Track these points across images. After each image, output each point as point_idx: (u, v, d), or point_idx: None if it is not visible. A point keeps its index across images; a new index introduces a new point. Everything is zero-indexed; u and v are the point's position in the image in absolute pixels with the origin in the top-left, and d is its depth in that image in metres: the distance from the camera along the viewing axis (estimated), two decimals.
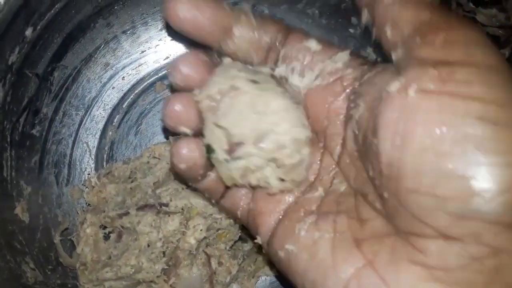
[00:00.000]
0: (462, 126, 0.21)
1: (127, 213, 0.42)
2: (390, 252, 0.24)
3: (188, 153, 0.30)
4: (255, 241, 0.31)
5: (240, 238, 0.46)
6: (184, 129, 0.30)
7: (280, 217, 0.30)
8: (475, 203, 0.21)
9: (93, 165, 0.49)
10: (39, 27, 0.42)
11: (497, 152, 0.20)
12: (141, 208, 0.42)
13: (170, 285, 0.42)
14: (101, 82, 0.49)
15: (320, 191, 0.29)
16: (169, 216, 0.40)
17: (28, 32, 0.41)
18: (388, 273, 0.24)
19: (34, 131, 0.46)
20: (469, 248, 0.22)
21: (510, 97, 0.21)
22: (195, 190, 0.36)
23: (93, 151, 0.49)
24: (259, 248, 0.48)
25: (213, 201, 0.34)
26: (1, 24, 0.39)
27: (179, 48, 0.49)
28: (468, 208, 0.21)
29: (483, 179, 0.20)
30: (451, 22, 0.23)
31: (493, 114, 0.21)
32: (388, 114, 0.23)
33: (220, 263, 0.44)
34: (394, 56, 0.25)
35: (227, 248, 0.44)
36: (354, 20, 0.43)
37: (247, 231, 0.47)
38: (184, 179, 0.33)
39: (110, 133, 0.50)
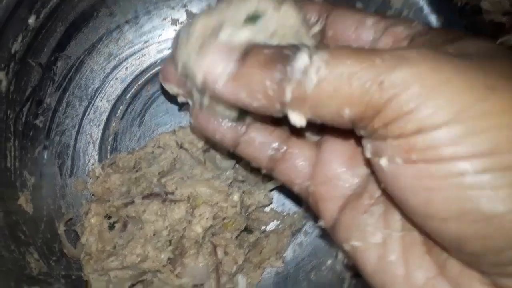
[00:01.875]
0: (449, 182, 0.21)
1: (132, 202, 0.41)
2: (461, 265, 0.23)
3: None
4: (319, 223, 0.30)
5: (245, 229, 0.45)
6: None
7: (342, 203, 0.28)
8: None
9: (96, 157, 0.49)
10: (42, 15, 0.42)
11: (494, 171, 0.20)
12: (146, 197, 0.41)
13: (176, 275, 0.41)
14: (104, 73, 0.49)
15: None
16: (174, 203, 0.40)
17: (31, 20, 0.41)
18: (461, 286, 0.23)
19: (37, 122, 0.45)
20: None
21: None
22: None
23: (97, 143, 0.49)
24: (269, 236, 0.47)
25: (264, 171, 0.32)
26: (4, 11, 0.39)
27: None
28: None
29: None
30: (376, 107, 0.22)
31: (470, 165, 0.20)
32: (389, 189, 0.23)
33: (226, 253, 0.43)
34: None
35: (233, 237, 0.43)
36: (359, 5, 0.43)
37: (252, 222, 0.47)
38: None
39: (114, 124, 0.49)
